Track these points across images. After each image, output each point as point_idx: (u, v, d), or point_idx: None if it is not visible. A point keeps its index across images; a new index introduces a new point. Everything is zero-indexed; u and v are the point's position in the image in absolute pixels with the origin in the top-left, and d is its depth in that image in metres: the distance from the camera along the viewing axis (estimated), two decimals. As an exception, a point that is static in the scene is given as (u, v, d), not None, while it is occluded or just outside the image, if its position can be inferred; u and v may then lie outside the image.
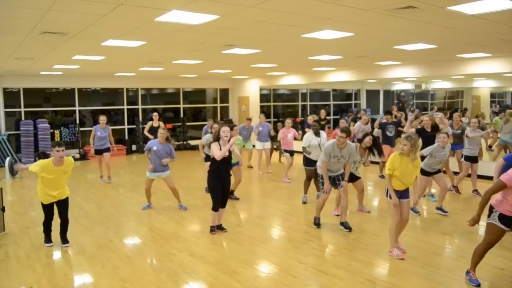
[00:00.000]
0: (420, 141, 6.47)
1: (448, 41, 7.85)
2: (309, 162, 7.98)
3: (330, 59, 10.77)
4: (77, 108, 15.63)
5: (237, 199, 8.62)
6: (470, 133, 8.43)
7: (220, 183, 6.23)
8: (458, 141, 8.95)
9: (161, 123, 11.47)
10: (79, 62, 10.43)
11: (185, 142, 17.38)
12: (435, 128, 8.16)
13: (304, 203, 8.23)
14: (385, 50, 9.21)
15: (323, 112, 12.77)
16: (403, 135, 6.95)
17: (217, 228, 6.52)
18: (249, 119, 11.89)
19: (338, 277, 4.86)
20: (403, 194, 5.41)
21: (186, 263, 5.35)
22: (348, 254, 5.55)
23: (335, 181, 6.64)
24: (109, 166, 10.58)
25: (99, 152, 10.39)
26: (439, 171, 7.34)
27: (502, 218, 4.34)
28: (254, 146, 11.73)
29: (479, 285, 4.53)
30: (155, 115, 11.78)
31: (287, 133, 10.01)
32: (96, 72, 13.99)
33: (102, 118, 10.29)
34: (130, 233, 6.74)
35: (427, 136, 8.06)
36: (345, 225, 6.60)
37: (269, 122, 15.29)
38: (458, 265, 5.10)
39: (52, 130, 14.71)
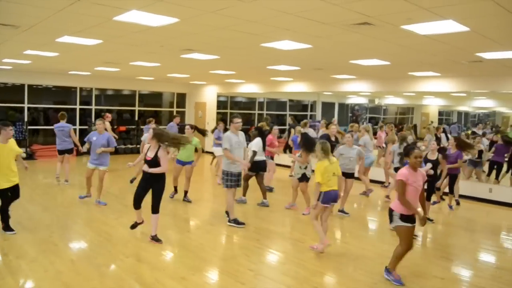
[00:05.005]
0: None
1: (401, 59, 8.16)
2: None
3: (288, 69, 10.92)
4: (26, 105, 14.95)
5: (189, 201, 8.72)
6: (395, 148, 8.78)
7: (142, 184, 6.14)
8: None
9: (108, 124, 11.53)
10: (31, 57, 10.03)
11: (139, 146, 17.03)
12: (337, 139, 8.85)
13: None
14: (341, 64, 9.45)
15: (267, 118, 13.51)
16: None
17: (152, 238, 6.21)
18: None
19: (285, 284, 4.90)
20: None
21: (133, 268, 5.23)
22: (297, 262, 5.60)
23: (238, 181, 7.12)
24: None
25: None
26: (352, 176, 7.93)
27: (403, 217, 4.82)
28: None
29: (403, 284, 4.91)
30: (108, 116, 12.32)
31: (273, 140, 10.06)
32: (48, 69, 13.49)
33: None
34: (76, 237, 6.51)
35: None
36: (237, 221, 7.18)
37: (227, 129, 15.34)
38: (403, 272, 5.23)
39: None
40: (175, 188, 9.02)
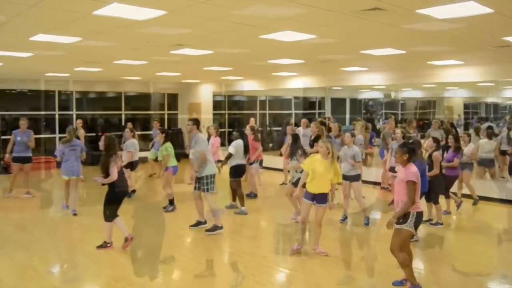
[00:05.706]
0: None
1: (418, 47, 8.14)
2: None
3: (291, 63, 10.92)
4: (-3, 112, 15.04)
5: (166, 209, 9.07)
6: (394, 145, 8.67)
7: None
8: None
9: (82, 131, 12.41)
10: (2, 59, 10.07)
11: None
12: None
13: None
14: (351, 55, 9.44)
15: (252, 120, 13.57)
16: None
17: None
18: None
19: (297, 307, 4.88)
20: (318, 200, 6.18)
21: (124, 294, 5.22)
22: (310, 281, 5.59)
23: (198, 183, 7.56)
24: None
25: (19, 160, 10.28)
26: (357, 178, 7.95)
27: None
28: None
29: None
30: (79, 122, 12.95)
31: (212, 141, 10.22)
32: (22, 72, 13.54)
33: (23, 122, 10.30)
34: (59, 260, 6.51)
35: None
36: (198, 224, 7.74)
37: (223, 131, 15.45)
38: None
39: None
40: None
